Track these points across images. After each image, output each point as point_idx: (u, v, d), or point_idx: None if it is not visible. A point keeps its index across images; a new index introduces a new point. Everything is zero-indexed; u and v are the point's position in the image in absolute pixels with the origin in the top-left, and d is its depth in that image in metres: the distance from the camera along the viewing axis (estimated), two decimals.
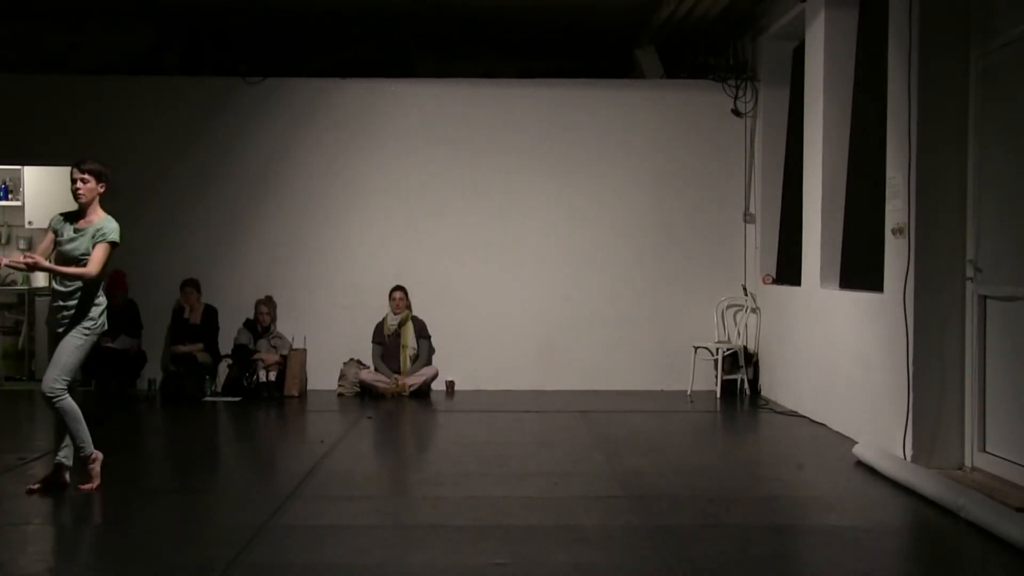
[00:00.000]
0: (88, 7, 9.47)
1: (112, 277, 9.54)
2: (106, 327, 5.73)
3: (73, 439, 5.61)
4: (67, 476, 5.65)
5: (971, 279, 6.04)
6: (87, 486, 5.60)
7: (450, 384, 9.78)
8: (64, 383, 5.52)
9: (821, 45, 7.94)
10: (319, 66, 10.51)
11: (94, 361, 9.30)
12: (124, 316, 9.44)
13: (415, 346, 9.57)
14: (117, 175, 9.79)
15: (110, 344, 9.25)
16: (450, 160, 10.04)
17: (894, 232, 6.38)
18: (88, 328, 5.56)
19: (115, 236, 5.57)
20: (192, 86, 10.05)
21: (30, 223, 11.22)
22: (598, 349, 10.01)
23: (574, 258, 10.07)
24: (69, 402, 5.55)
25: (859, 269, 7.54)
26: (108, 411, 8.78)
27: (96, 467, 5.66)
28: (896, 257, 6.35)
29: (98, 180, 5.66)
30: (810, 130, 8.26)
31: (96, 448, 5.68)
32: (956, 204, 6.10)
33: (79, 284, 5.51)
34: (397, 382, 9.35)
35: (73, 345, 5.52)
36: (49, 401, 5.51)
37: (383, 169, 10.05)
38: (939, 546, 4.87)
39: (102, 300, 5.68)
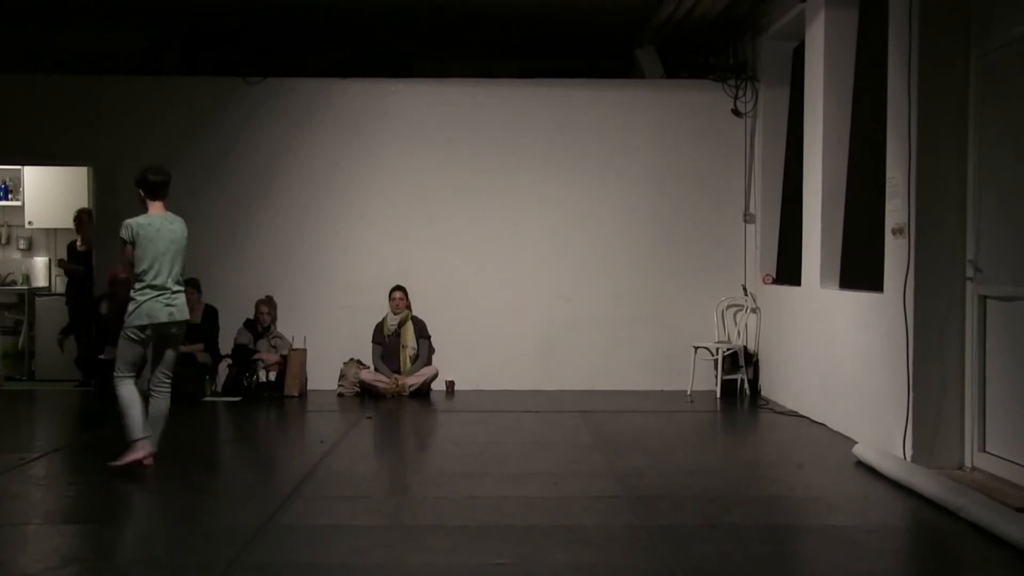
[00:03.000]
0: (88, 7, 9.46)
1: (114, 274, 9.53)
2: (137, 324, 6.08)
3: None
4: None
5: (971, 279, 6.04)
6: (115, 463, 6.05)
7: (450, 384, 9.78)
8: (118, 371, 6.13)
9: (821, 45, 7.94)
10: (319, 66, 10.51)
11: (95, 362, 9.38)
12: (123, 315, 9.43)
13: (415, 346, 9.57)
14: (117, 175, 9.99)
15: (101, 356, 9.26)
16: (450, 160, 10.04)
17: (894, 232, 6.38)
18: (124, 324, 6.13)
19: (122, 233, 6.15)
20: (192, 86, 10.05)
21: (30, 223, 11.23)
22: (598, 349, 10.01)
23: (574, 258, 10.07)
24: (119, 390, 6.09)
25: (859, 269, 7.54)
26: (108, 411, 8.78)
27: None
28: (896, 257, 6.35)
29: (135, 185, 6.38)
30: (810, 130, 8.25)
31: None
32: (956, 204, 6.10)
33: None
34: (397, 382, 9.35)
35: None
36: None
37: (383, 169, 10.05)
38: (939, 546, 4.87)
39: (137, 297, 6.09)
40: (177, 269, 6.19)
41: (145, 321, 6.02)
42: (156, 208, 6.24)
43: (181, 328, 6.26)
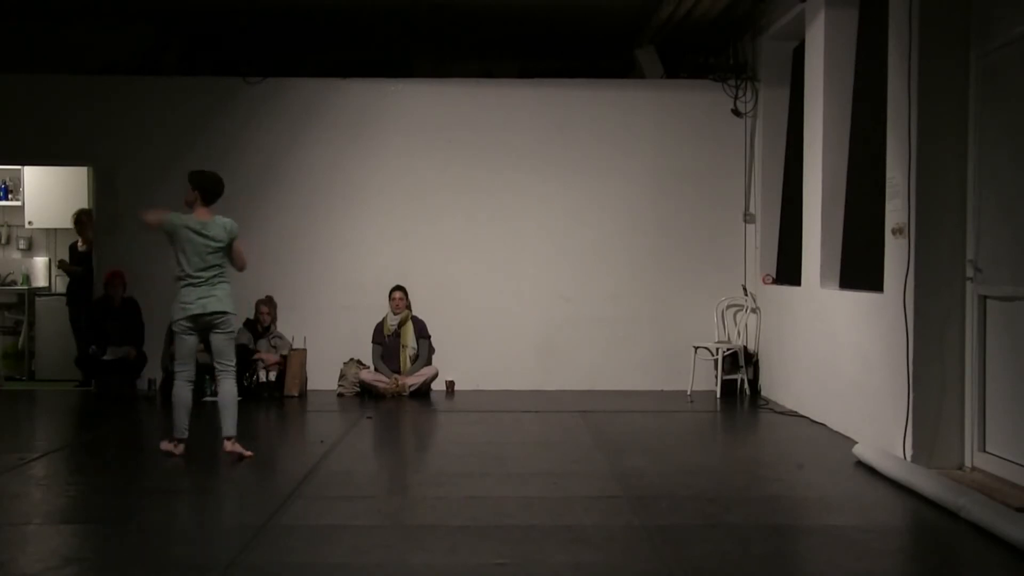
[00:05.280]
0: (88, 7, 9.46)
1: (110, 276, 9.54)
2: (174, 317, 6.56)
3: None
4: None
5: (971, 279, 6.04)
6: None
7: (450, 384, 9.78)
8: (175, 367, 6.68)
9: (821, 45, 7.94)
10: (319, 66, 10.51)
11: (94, 362, 9.38)
12: (124, 318, 9.43)
13: (415, 346, 9.57)
14: (117, 175, 9.99)
15: (104, 357, 9.26)
16: (450, 160, 10.04)
17: (894, 232, 6.38)
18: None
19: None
20: (192, 86, 10.05)
21: (30, 223, 11.23)
22: (598, 349, 10.01)
23: (574, 258, 10.07)
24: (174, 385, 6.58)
25: (859, 269, 7.54)
26: (108, 411, 8.79)
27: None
28: (896, 257, 6.35)
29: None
30: (810, 130, 8.26)
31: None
32: (956, 204, 6.10)
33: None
34: (397, 382, 9.35)
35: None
36: None
37: (383, 169, 10.05)
38: (939, 546, 4.87)
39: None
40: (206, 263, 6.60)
41: (179, 315, 6.48)
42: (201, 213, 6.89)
43: (217, 319, 6.52)
